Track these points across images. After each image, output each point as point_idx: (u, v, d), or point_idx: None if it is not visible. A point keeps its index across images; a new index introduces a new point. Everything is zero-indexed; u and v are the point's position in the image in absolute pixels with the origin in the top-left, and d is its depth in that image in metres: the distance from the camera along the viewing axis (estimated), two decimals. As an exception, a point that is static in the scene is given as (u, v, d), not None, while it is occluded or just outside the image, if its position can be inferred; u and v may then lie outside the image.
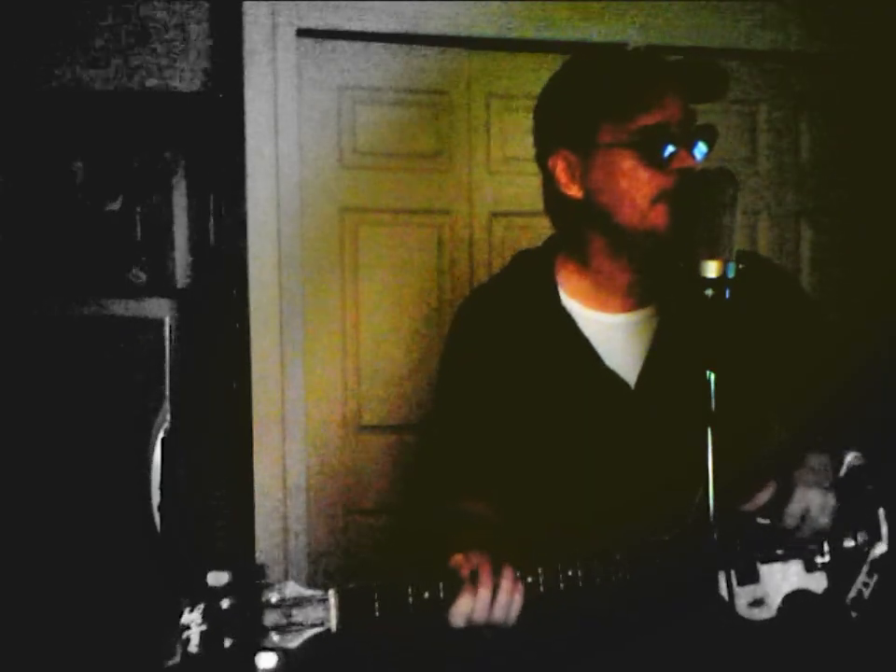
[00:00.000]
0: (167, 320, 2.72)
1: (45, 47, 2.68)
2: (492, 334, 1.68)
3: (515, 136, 2.99)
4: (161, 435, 2.69)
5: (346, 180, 2.93)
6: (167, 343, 2.72)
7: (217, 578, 1.32)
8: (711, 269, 1.33)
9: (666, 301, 1.63)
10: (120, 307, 2.71)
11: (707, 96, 1.60)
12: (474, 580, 1.39)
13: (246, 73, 2.76)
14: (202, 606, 1.31)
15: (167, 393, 2.71)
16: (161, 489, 2.66)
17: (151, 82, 2.76)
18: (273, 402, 2.78)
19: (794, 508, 1.50)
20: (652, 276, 1.63)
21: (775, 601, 1.55)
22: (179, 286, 2.75)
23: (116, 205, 2.72)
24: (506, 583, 1.40)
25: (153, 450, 2.68)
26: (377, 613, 1.35)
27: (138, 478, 2.66)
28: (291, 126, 2.80)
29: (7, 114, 2.64)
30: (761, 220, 3.18)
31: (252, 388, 2.77)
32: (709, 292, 1.32)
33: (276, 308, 2.79)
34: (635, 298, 1.65)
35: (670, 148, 1.52)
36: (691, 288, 1.34)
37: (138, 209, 2.73)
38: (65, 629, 2.58)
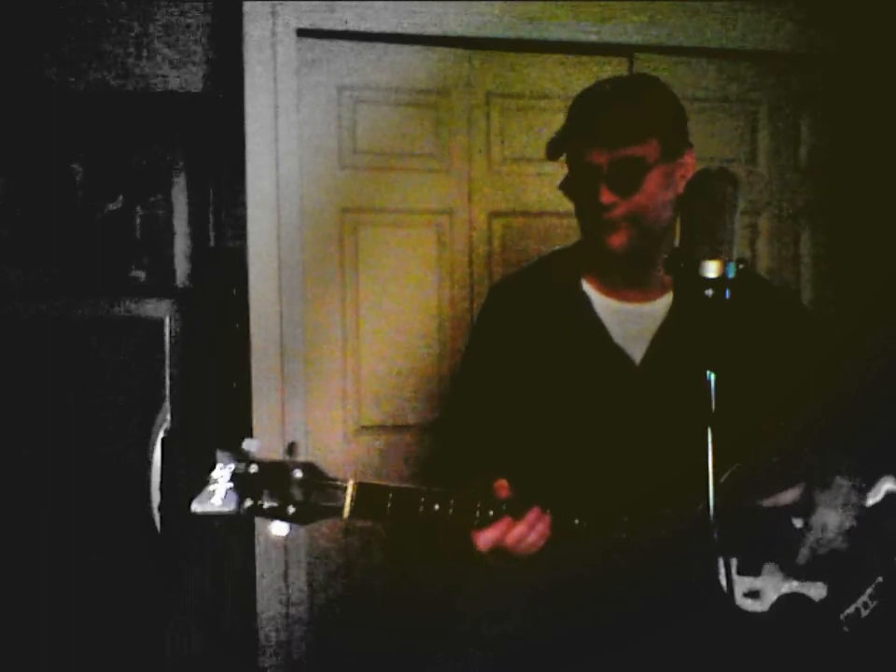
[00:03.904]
0: (167, 320, 2.72)
1: (45, 47, 2.68)
2: (516, 313, 1.78)
3: (515, 136, 2.99)
4: (161, 435, 2.69)
5: (346, 180, 2.93)
6: (167, 343, 2.72)
7: (251, 444, 1.43)
8: (711, 269, 1.33)
9: (680, 291, 1.68)
10: (120, 307, 2.71)
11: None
12: (514, 511, 1.47)
13: (246, 73, 2.76)
14: (232, 465, 1.41)
15: (167, 393, 2.71)
16: (161, 489, 2.66)
17: (151, 82, 2.76)
18: (273, 402, 2.79)
19: (811, 525, 1.55)
20: (657, 270, 1.67)
21: (770, 597, 1.57)
22: (179, 286, 2.75)
23: (116, 205, 2.72)
24: (541, 526, 1.49)
25: (153, 450, 2.68)
26: (387, 511, 1.44)
27: (138, 478, 2.66)
28: (291, 126, 2.80)
29: (7, 114, 2.65)
30: (761, 220, 3.18)
31: (252, 388, 2.77)
32: (709, 292, 1.33)
33: (276, 308, 2.79)
34: (648, 290, 1.74)
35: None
36: (691, 288, 1.35)
37: (138, 209, 2.73)
38: (64, 628, 2.58)
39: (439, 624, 1.92)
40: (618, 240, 1.64)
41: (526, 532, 1.48)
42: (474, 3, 2.88)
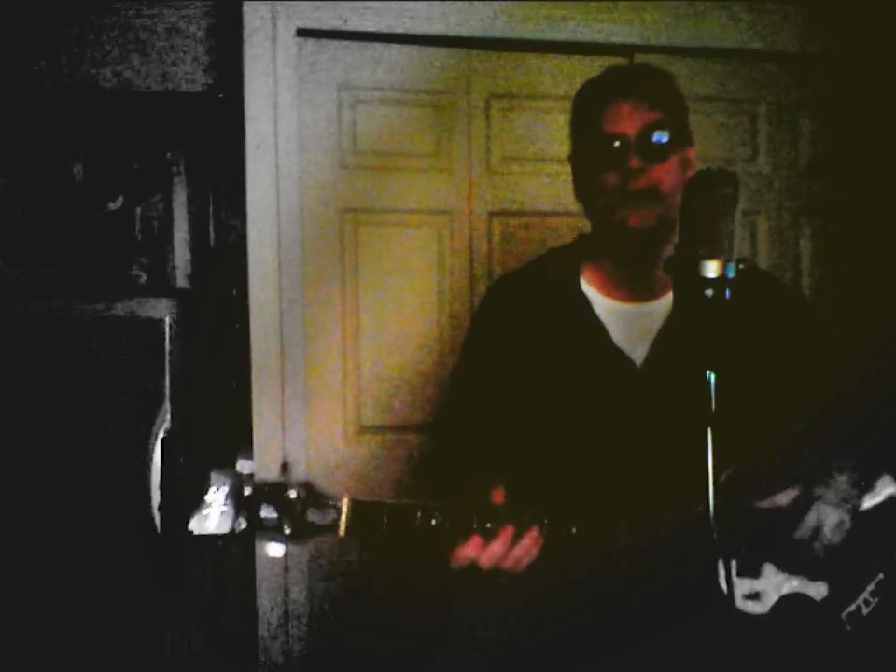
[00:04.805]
0: (167, 320, 2.72)
1: (45, 47, 2.68)
2: (515, 312, 1.78)
3: (515, 136, 2.99)
4: (161, 435, 2.69)
5: (346, 180, 2.93)
6: (167, 342, 2.72)
7: (245, 466, 1.41)
8: (711, 269, 1.33)
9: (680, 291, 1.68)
10: (120, 307, 2.71)
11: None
12: (486, 531, 1.44)
13: (246, 73, 2.76)
14: (226, 488, 1.40)
15: (167, 393, 2.71)
16: (161, 489, 2.66)
17: (151, 82, 2.76)
18: (274, 402, 2.79)
19: (809, 522, 1.55)
20: (659, 269, 1.67)
21: (771, 598, 1.57)
22: (179, 286, 2.75)
23: (116, 205, 2.72)
24: (526, 541, 1.46)
25: (153, 450, 2.68)
26: (384, 528, 1.44)
27: (138, 478, 2.66)
28: (291, 126, 2.80)
29: (7, 114, 2.65)
30: (761, 220, 3.18)
31: (252, 388, 2.77)
32: (709, 292, 1.33)
33: (276, 308, 2.79)
34: (649, 289, 1.74)
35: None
36: (691, 288, 1.35)
37: (138, 209, 2.73)
38: (64, 628, 2.58)
39: (436, 626, 1.91)
40: (639, 217, 1.65)
41: (502, 550, 1.45)
42: (475, 3, 2.88)
